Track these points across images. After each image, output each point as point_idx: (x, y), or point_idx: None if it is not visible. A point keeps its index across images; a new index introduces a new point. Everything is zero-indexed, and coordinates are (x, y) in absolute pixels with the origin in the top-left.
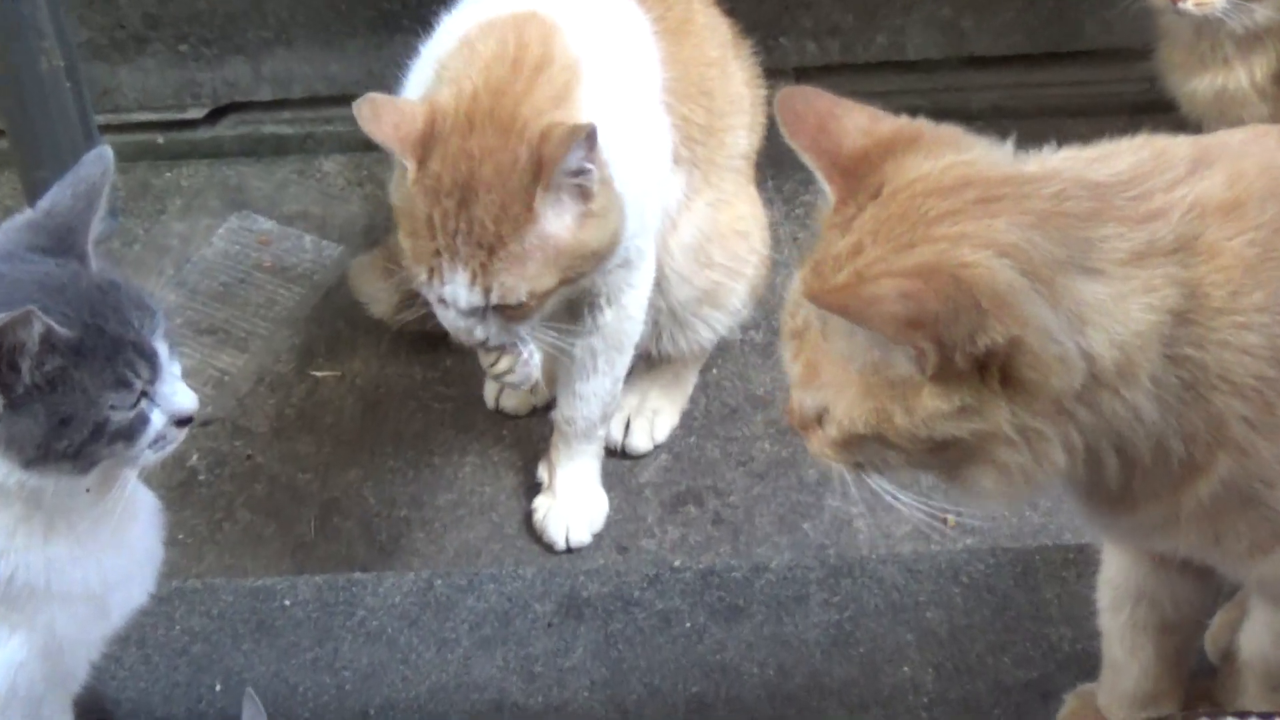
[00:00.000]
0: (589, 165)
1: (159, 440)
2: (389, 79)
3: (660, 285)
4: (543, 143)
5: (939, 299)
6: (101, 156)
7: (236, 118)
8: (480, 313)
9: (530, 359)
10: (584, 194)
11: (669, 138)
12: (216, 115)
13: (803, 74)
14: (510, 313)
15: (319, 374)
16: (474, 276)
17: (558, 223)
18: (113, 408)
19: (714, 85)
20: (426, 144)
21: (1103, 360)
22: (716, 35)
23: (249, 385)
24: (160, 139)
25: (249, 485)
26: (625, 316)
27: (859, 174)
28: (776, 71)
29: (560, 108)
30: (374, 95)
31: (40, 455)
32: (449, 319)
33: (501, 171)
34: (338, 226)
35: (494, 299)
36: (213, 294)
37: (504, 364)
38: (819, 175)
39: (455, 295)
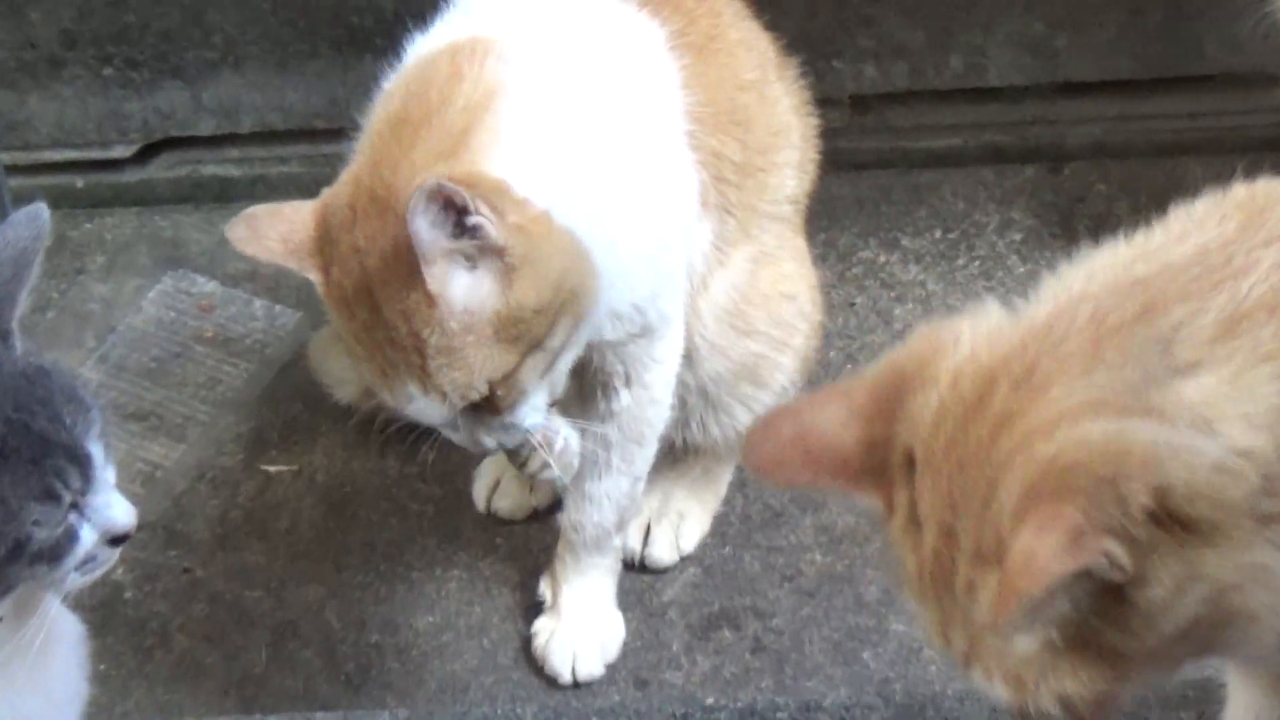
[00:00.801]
0: (477, 218)
1: (88, 561)
2: (357, 109)
3: (688, 358)
4: (409, 213)
5: (1072, 507)
6: (35, 217)
7: (172, 156)
8: (460, 421)
9: (568, 445)
10: (491, 249)
11: (692, 177)
12: (147, 153)
13: (860, 103)
14: (496, 406)
15: (272, 469)
16: (421, 386)
17: (473, 293)
18: (36, 523)
19: (751, 113)
20: (323, 249)
21: (1258, 449)
22: (754, 53)
23: (186, 482)
24: (79, 182)
25: (186, 605)
26: (647, 400)
27: (880, 465)
28: (828, 101)
29: (448, 160)
30: (251, 210)
31: None
32: (454, 438)
33: (386, 261)
34: (294, 289)
35: (456, 401)
36: (142, 371)
37: (535, 463)
38: (850, 501)
39: (422, 411)
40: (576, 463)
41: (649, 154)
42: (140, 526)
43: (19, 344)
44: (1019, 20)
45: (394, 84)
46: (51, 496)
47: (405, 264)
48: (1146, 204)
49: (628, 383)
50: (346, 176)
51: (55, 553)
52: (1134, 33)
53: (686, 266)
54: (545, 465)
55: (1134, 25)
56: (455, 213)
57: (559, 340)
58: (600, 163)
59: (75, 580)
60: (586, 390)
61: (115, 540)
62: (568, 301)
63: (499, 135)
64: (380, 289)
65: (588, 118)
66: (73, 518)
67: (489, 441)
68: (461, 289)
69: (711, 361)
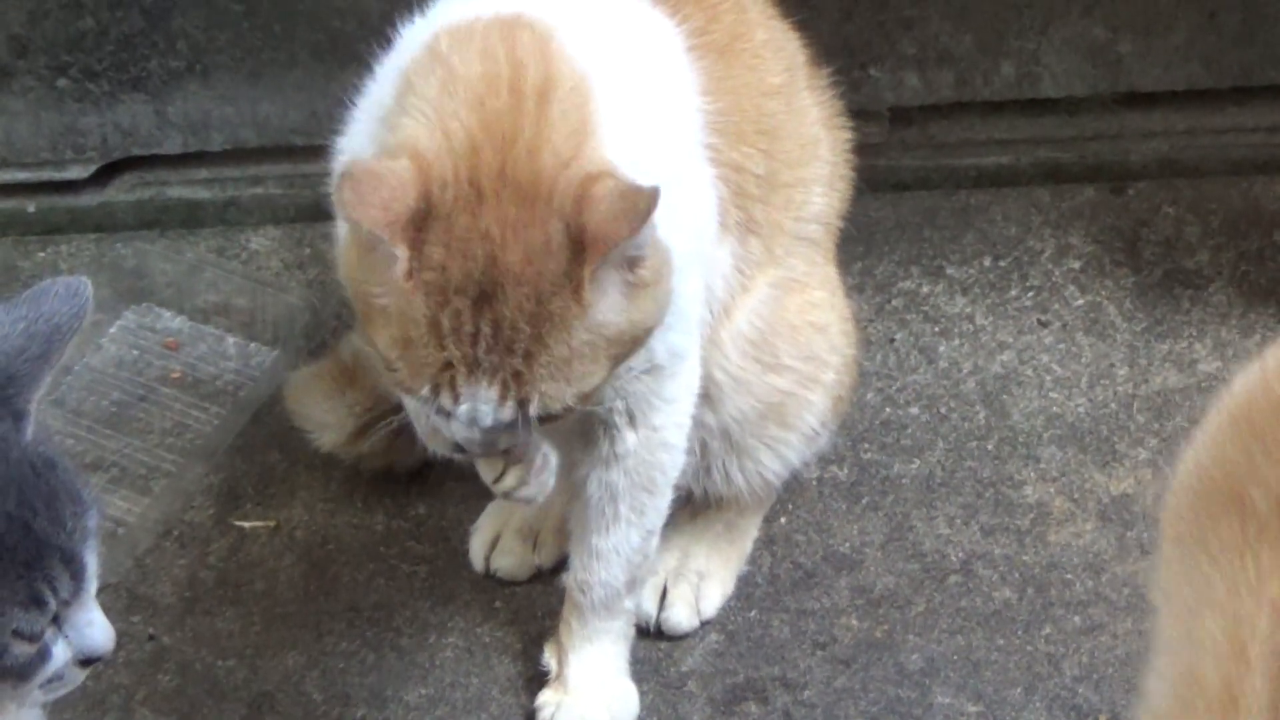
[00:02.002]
0: (650, 226)
1: (54, 680)
2: (340, 123)
3: (708, 395)
4: (584, 211)
5: None
6: (76, 292)
7: (134, 177)
8: (508, 427)
9: (546, 463)
10: (634, 261)
11: (712, 193)
12: (107, 174)
13: (900, 116)
14: (547, 423)
15: (246, 524)
16: (504, 390)
17: (608, 306)
18: (15, 632)
19: (778, 122)
20: (421, 223)
21: None
22: (781, 56)
23: (151, 540)
24: (31, 206)
25: (151, 675)
26: (657, 443)
27: None
28: (865, 113)
29: (583, 149)
30: (348, 169)
31: None
32: (456, 432)
33: (533, 255)
34: (270, 325)
35: (533, 412)
36: (102, 416)
37: (512, 478)
38: None
39: (476, 414)
40: (551, 483)
41: (675, 163)
42: (101, 588)
43: (30, 428)
44: (1078, 24)
45: (444, 43)
46: (38, 603)
47: (559, 263)
48: (1219, 228)
49: (633, 423)
50: (445, 137)
51: (24, 669)
52: (1207, 37)
53: (706, 294)
54: (521, 483)
55: (1207, 29)
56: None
57: (631, 364)
58: (655, 166)
59: (36, 698)
60: (588, 429)
61: (86, 662)
62: (657, 326)
63: (607, 133)
64: (513, 284)
65: (644, 118)
66: (49, 632)
67: (507, 443)
68: (603, 300)
69: (735, 399)
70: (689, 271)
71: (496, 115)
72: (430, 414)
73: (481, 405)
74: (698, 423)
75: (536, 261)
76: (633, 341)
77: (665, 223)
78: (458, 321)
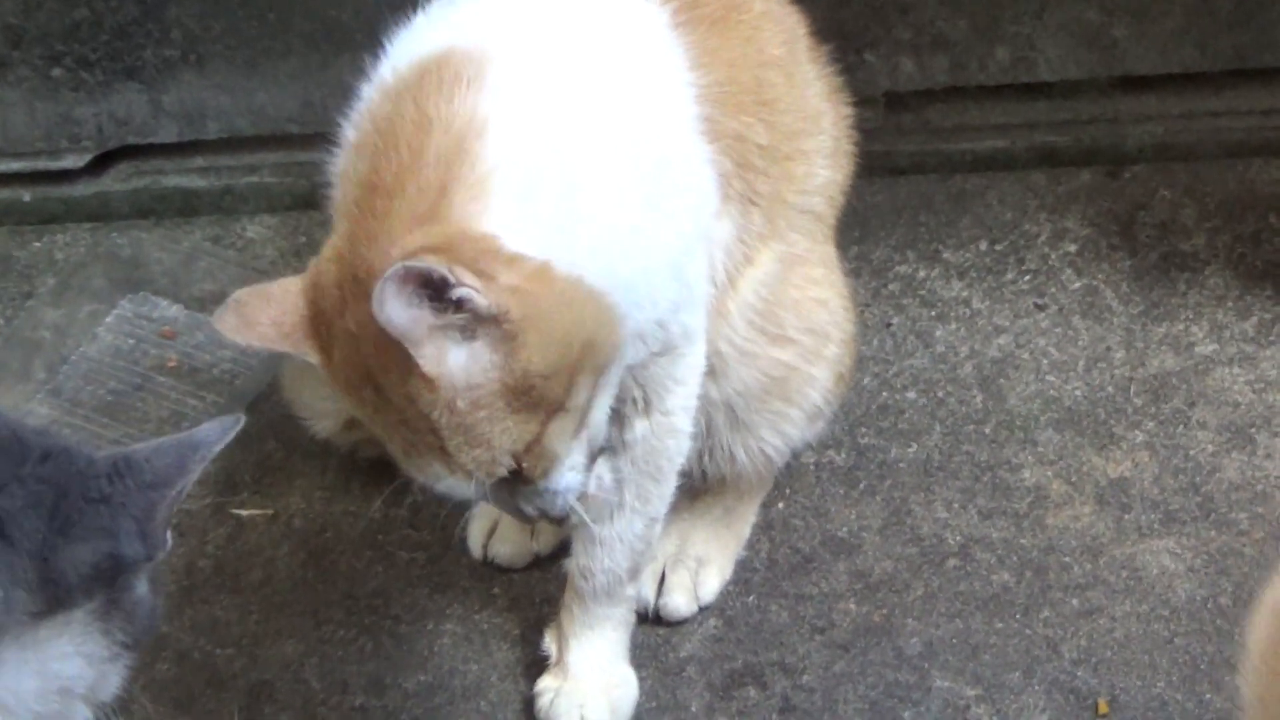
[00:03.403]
0: (461, 289)
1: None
2: (335, 112)
3: (712, 369)
4: (375, 302)
5: None
6: (229, 423)
7: (129, 166)
8: (495, 494)
9: (602, 482)
10: (485, 319)
11: (707, 171)
12: (102, 163)
13: (896, 101)
14: (528, 477)
15: (243, 513)
16: (446, 465)
17: (474, 367)
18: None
19: (778, 92)
20: (319, 330)
21: None
22: (781, 28)
23: None
24: (26, 196)
25: (150, 665)
26: (667, 429)
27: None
28: (860, 99)
29: (425, 225)
30: (236, 296)
31: None
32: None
33: (379, 347)
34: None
35: (483, 479)
36: (99, 405)
37: (580, 508)
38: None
39: (453, 489)
40: (609, 495)
41: (658, 155)
42: None
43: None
44: (1072, 8)
45: (363, 128)
46: None
47: (399, 348)
48: (1215, 211)
49: (646, 410)
50: (329, 251)
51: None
52: (1202, 20)
53: (709, 268)
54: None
55: (1202, 12)
56: (434, 288)
57: (583, 398)
58: (607, 178)
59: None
60: None
61: None
62: (583, 357)
63: (482, 185)
64: (381, 375)
65: (586, 131)
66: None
67: (530, 510)
68: (461, 365)
69: (739, 371)
70: (693, 251)
71: (369, 207)
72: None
73: (445, 482)
74: (702, 399)
75: (385, 352)
76: (547, 381)
77: (578, 247)
78: (376, 414)
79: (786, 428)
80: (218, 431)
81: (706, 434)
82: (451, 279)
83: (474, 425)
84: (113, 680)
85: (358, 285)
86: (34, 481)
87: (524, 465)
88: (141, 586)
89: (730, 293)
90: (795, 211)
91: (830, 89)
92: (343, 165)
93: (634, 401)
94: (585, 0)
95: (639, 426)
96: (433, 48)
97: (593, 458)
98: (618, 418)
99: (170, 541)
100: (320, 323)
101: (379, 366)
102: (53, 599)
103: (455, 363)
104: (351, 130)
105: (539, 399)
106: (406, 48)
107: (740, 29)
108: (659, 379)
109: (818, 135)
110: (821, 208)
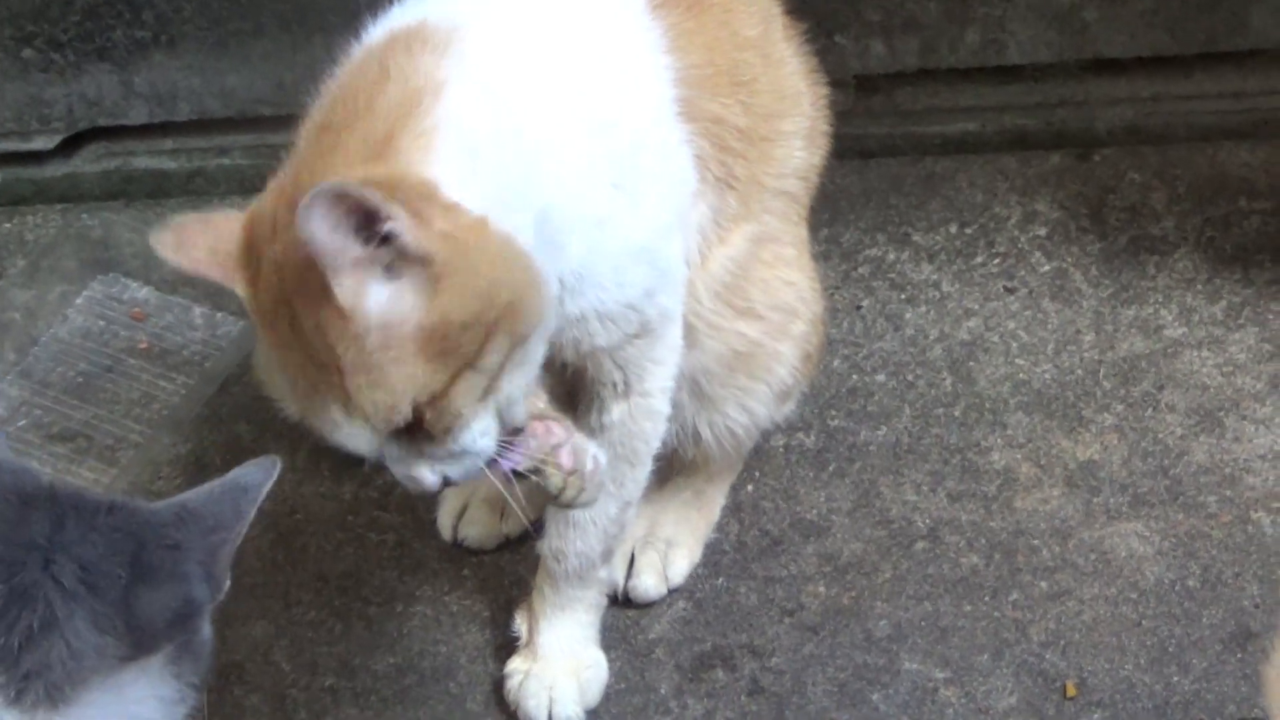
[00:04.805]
0: (392, 223)
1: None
2: (307, 94)
3: (685, 339)
4: (300, 224)
5: None
6: (268, 466)
7: (100, 147)
8: (401, 451)
9: (597, 463)
10: (413, 258)
11: (685, 154)
12: (73, 144)
13: (866, 84)
14: (430, 433)
15: None
16: (345, 409)
17: (393, 306)
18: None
19: (755, 73)
20: (249, 262)
21: None
22: (756, 8)
23: None
24: None
25: None
26: (645, 411)
27: None
28: (831, 81)
29: (369, 165)
30: (180, 218)
31: None
32: (394, 473)
33: (299, 273)
34: (237, 296)
35: (380, 426)
36: (69, 387)
37: (572, 489)
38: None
39: (350, 439)
40: (604, 483)
41: (632, 139)
42: None
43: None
44: None
45: (327, 83)
46: None
47: (318, 277)
48: (1185, 194)
49: (625, 392)
50: (272, 185)
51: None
52: (1172, 4)
53: (685, 252)
54: (580, 491)
55: None
56: (364, 217)
57: (495, 359)
58: (569, 155)
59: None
60: (581, 403)
61: None
62: (503, 317)
63: (430, 138)
64: (296, 303)
65: (550, 106)
66: None
67: (430, 476)
68: (379, 302)
69: (706, 343)
70: (670, 235)
71: (318, 145)
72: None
73: (345, 430)
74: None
75: (303, 278)
76: (464, 333)
77: (522, 210)
78: (285, 349)
79: (753, 404)
80: (261, 474)
81: (674, 412)
82: (383, 212)
83: (380, 365)
84: None
85: (290, 213)
86: (109, 531)
87: (426, 417)
88: (207, 628)
89: (700, 270)
90: (771, 194)
91: (807, 69)
92: (304, 122)
93: (613, 385)
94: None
95: (617, 410)
96: (407, 21)
97: (505, 431)
98: (594, 402)
99: (229, 582)
100: (252, 253)
101: (297, 293)
102: (138, 644)
103: (374, 298)
104: (316, 97)
105: (450, 349)
106: (381, 25)
107: (715, 11)
108: (636, 360)
109: (796, 117)
110: (797, 189)
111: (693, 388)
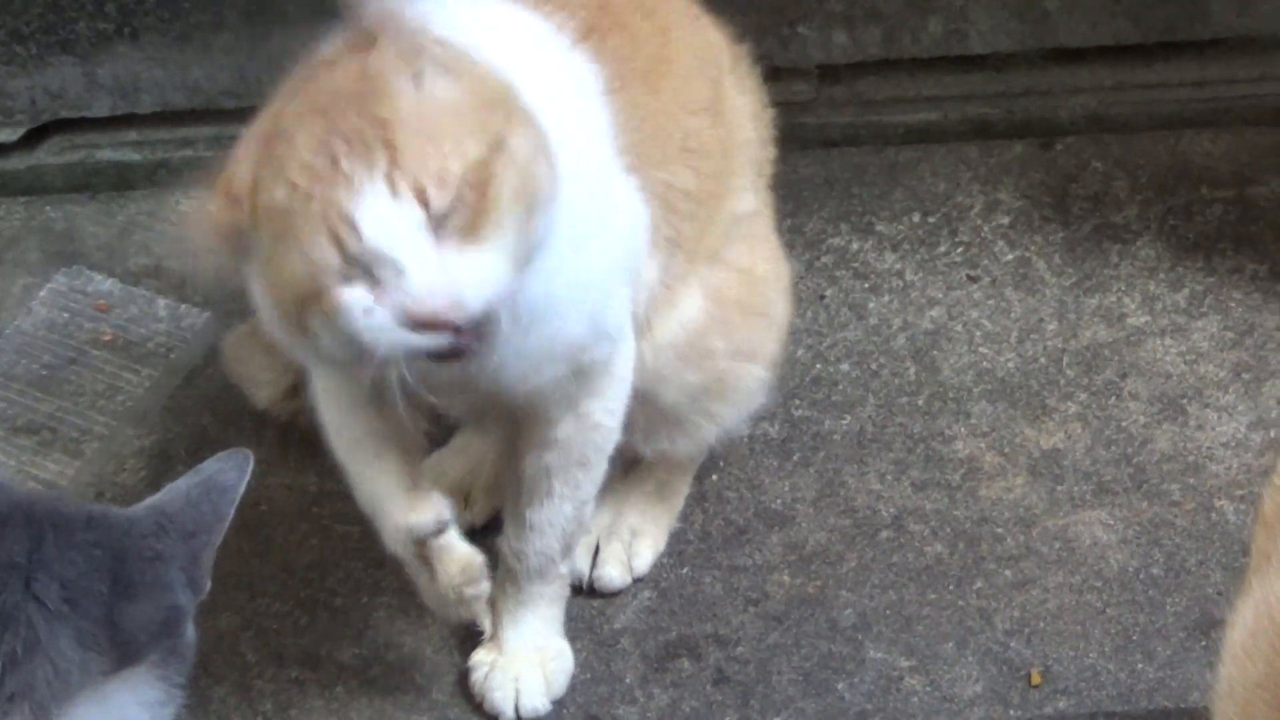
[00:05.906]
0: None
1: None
2: (270, 86)
3: (640, 387)
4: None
5: None
6: (240, 462)
7: (63, 140)
8: (421, 248)
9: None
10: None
11: (642, 210)
12: (35, 137)
13: (828, 73)
14: (474, 225)
15: None
16: (390, 182)
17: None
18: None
19: (705, 138)
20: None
21: None
22: (706, 67)
23: None
24: None
25: None
26: (590, 426)
27: None
28: (794, 71)
29: None
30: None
31: None
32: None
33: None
34: (202, 286)
35: (435, 196)
36: (33, 379)
37: (460, 575)
38: None
39: (382, 229)
40: (486, 587)
41: (585, 208)
42: None
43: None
44: None
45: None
46: None
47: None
48: (1147, 183)
49: (573, 416)
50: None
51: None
52: None
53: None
54: (470, 580)
55: None
56: None
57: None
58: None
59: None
60: (523, 420)
61: None
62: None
63: None
64: (342, 99)
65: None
66: None
67: (448, 283)
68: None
69: (668, 392)
70: (615, 285)
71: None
72: (346, 323)
73: (381, 215)
74: (635, 404)
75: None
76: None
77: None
78: (315, 151)
79: (721, 419)
80: (236, 472)
81: (641, 425)
82: None
83: (429, 125)
84: None
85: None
86: (89, 546)
87: (470, 202)
88: (191, 630)
89: (647, 334)
90: (727, 241)
91: (754, 107)
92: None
93: (550, 405)
94: (520, 62)
95: (558, 427)
96: None
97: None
98: (540, 419)
99: (210, 583)
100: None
101: (336, 92)
102: (123, 657)
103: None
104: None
105: (494, 124)
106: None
107: (669, 80)
108: (579, 394)
109: (744, 164)
110: (754, 222)
111: (661, 417)
